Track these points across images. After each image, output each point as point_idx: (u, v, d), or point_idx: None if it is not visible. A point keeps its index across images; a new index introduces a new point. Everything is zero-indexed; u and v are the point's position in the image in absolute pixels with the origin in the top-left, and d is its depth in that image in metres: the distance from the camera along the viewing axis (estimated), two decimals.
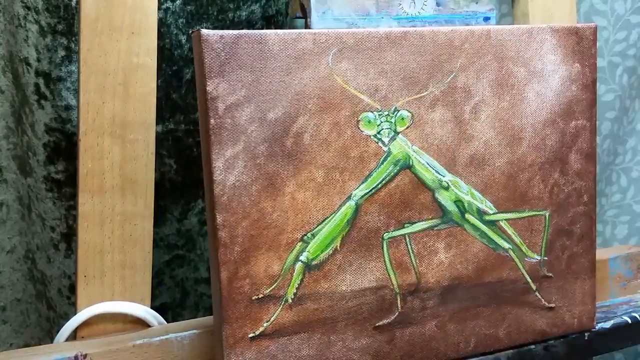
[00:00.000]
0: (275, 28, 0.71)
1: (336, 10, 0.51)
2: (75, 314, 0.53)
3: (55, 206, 0.67)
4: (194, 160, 0.71)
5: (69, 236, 0.68)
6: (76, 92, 0.64)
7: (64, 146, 0.66)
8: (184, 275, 0.74)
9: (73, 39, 0.64)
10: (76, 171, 0.53)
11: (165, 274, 0.73)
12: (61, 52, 0.64)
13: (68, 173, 0.66)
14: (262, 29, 0.70)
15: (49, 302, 0.70)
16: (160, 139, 0.69)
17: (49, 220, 0.67)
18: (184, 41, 0.68)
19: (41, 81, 0.64)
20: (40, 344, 0.70)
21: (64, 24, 0.63)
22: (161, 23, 0.66)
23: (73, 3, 0.63)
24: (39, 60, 0.64)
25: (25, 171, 0.68)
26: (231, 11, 0.69)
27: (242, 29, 0.69)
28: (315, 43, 0.47)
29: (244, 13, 0.69)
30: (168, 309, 0.73)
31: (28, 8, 0.62)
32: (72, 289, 0.68)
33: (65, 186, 0.66)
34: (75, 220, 0.54)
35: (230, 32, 0.45)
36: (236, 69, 0.45)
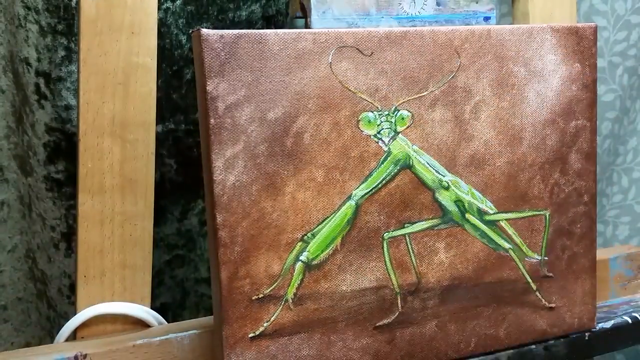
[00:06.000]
0: (276, 28, 0.71)
1: (336, 9, 0.51)
2: (75, 314, 0.53)
3: (55, 206, 0.67)
4: (194, 160, 0.71)
5: (69, 236, 0.68)
6: (76, 92, 0.64)
7: (64, 146, 0.66)
8: (184, 276, 0.74)
9: (73, 39, 0.64)
10: (76, 171, 0.53)
11: (166, 274, 0.73)
12: (61, 52, 0.64)
13: (68, 173, 0.66)
14: (262, 29, 0.70)
15: (50, 302, 0.70)
16: (160, 139, 0.69)
17: (49, 219, 0.67)
18: (184, 41, 0.68)
19: (41, 81, 0.64)
20: (41, 343, 0.70)
21: (64, 24, 0.63)
22: (161, 23, 0.66)
23: (73, 3, 0.63)
24: (39, 60, 0.64)
25: (26, 171, 0.68)
26: (231, 11, 0.69)
27: (242, 29, 0.69)
28: (315, 43, 0.47)
29: (244, 13, 0.69)
30: (168, 309, 0.73)
31: (28, 8, 0.62)
32: (72, 288, 0.68)
33: (65, 186, 0.66)
34: (75, 220, 0.53)
35: (230, 31, 0.45)
36: (236, 68, 0.45)
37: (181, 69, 0.68)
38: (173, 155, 0.70)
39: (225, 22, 0.69)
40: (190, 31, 0.46)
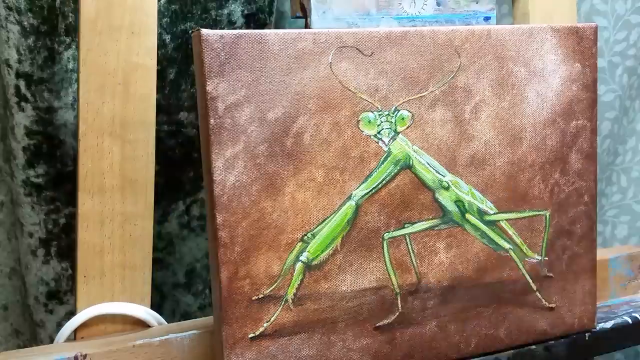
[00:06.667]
0: (257, 26, 0.70)
1: (336, 9, 0.51)
2: (75, 314, 0.53)
3: (33, 211, 0.65)
4: (175, 162, 0.69)
5: (48, 242, 0.66)
6: (58, 94, 0.63)
7: (45, 149, 0.64)
8: (162, 280, 0.72)
9: (57, 39, 0.63)
10: (76, 171, 0.53)
11: None
12: (44, 53, 0.62)
13: (49, 177, 0.65)
14: (243, 27, 0.69)
15: (30, 310, 0.69)
16: None
17: (27, 225, 0.66)
18: (167, 40, 0.66)
19: (22, 83, 0.62)
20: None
21: (48, 24, 0.62)
22: None
23: (57, 4, 0.62)
24: (19, 61, 0.62)
25: (11, 174, 0.66)
26: (214, 10, 0.67)
27: (223, 27, 0.68)
28: (316, 43, 0.47)
29: (225, 11, 0.68)
30: None
31: (10, 8, 0.61)
32: (50, 296, 0.67)
33: (45, 190, 0.65)
34: (75, 220, 0.53)
35: (230, 31, 0.45)
36: (236, 68, 0.45)
37: (164, 68, 0.67)
38: (155, 157, 0.68)
39: (208, 21, 0.68)
40: (190, 31, 0.46)
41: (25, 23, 0.61)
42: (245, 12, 0.69)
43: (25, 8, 0.61)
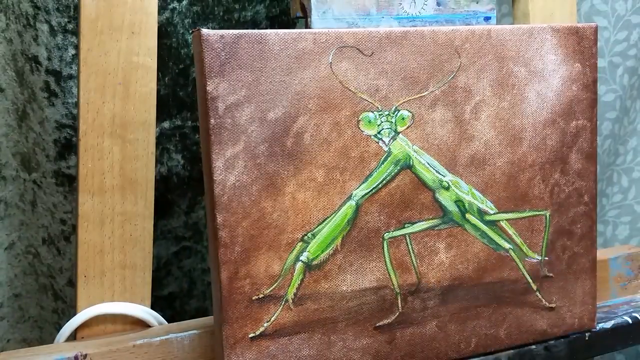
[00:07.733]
0: (280, 28, 0.72)
1: (337, 9, 0.51)
2: (75, 314, 0.53)
3: (66, 200, 0.68)
4: (200, 156, 0.72)
5: None
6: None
7: (75, 142, 0.67)
8: (191, 266, 0.76)
9: None
10: (77, 171, 0.53)
11: (173, 264, 0.75)
12: (71, 51, 0.65)
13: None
14: (267, 29, 0.71)
15: (57, 294, 0.71)
16: (167, 135, 0.70)
17: (60, 213, 0.69)
18: (190, 40, 0.69)
19: (51, 79, 0.65)
20: (42, 336, 0.72)
21: (75, 23, 0.64)
22: (168, 23, 0.67)
23: None
24: (49, 59, 0.65)
25: (30, 167, 0.69)
26: (237, 11, 0.69)
27: (247, 29, 0.70)
28: (316, 43, 0.47)
29: (249, 13, 0.70)
30: (176, 298, 0.75)
31: (38, 8, 0.64)
32: None
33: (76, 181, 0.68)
34: (75, 220, 0.54)
35: (231, 31, 0.45)
36: (236, 68, 0.45)
37: (187, 67, 0.69)
38: (180, 150, 0.72)
39: (231, 23, 0.70)
40: (191, 31, 0.46)
41: (54, 22, 0.64)
42: (270, 14, 0.71)
43: (53, 7, 0.64)
